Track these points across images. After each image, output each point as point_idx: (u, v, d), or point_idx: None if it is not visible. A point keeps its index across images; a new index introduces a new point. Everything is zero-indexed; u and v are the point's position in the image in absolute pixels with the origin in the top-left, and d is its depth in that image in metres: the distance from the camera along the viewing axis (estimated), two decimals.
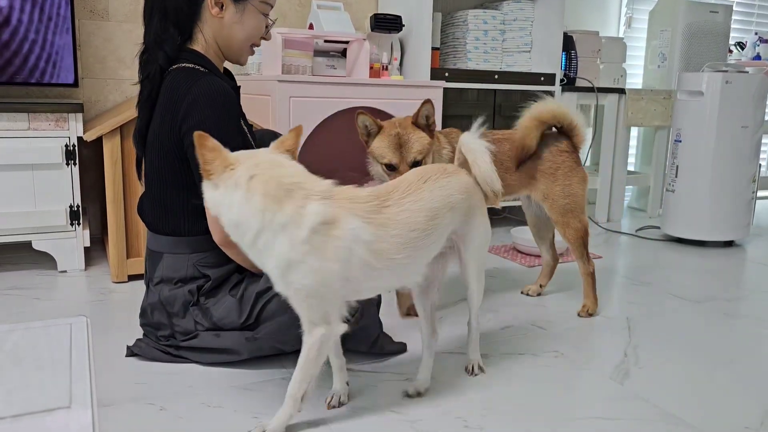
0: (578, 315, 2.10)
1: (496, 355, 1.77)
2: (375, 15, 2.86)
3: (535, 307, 2.18)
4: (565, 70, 3.50)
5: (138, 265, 2.27)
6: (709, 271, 2.72)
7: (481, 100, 3.19)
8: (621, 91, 3.62)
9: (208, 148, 1.20)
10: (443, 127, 2.66)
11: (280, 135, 1.99)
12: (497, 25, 3.30)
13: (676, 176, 3.19)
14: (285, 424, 1.31)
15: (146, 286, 1.70)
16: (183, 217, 1.61)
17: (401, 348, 1.75)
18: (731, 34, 4.11)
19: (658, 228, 3.41)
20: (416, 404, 1.47)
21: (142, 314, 1.69)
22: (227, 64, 1.78)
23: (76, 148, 2.36)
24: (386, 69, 2.92)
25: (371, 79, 2.67)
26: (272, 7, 1.72)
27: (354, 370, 1.63)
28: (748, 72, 3.13)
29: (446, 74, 3.09)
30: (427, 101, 1.77)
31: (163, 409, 1.43)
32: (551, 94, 3.32)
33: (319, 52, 2.79)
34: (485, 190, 1.50)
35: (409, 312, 1.91)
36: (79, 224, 2.42)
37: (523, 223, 2.33)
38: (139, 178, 1.78)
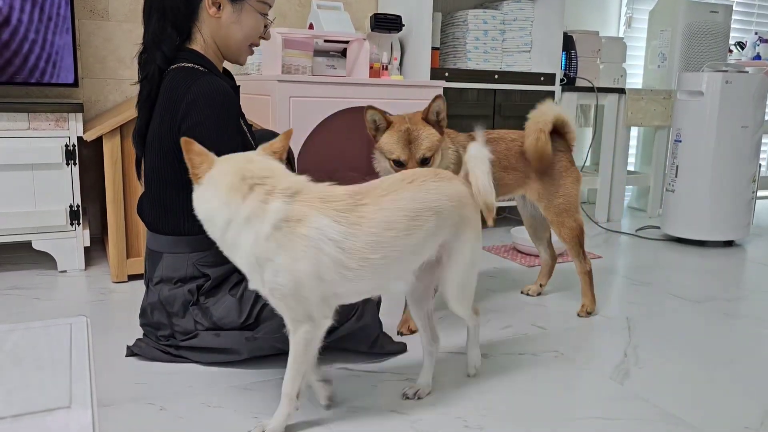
0: (578, 315, 2.10)
1: (496, 355, 1.77)
2: (375, 15, 2.86)
3: (535, 307, 2.18)
4: (565, 70, 3.50)
5: (138, 264, 2.27)
6: (709, 271, 2.72)
7: (481, 100, 3.19)
8: (621, 91, 3.62)
9: (195, 152, 1.24)
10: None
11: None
12: (497, 25, 3.30)
13: (676, 176, 3.19)
14: (284, 423, 1.31)
15: (146, 286, 1.70)
16: (182, 217, 1.61)
17: (401, 348, 1.75)
18: (731, 34, 4.11)
19: (658, 228, 3.41)
20: (416, 404, 1.47)
21: (142, 314, 1.69)
22: (227, 64, 1.78)
23: (76, 148, 2.36)
24: (386, 69, 2.92)
25: (371, 79, 2.67)
26: (270, 6, 1.72)
27: (354, 370, 1.63)
28: (748, 72, 3.13)
29: (446, 74, 3.09)
30: (438, 97, 1.72)
31: (163, 409, 1.43)
32: (551, 94, 3.32)
33: (319, 52, 2.79)
34: (478, 201, 1.41)
35: (401, 331, 1.88)
36: (79, 224, 2.42)
37: (523, 222, 2.33)
38: (139, 178, 1.78)
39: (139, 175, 1.77)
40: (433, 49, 3.08)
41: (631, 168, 4.02)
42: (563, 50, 3.43)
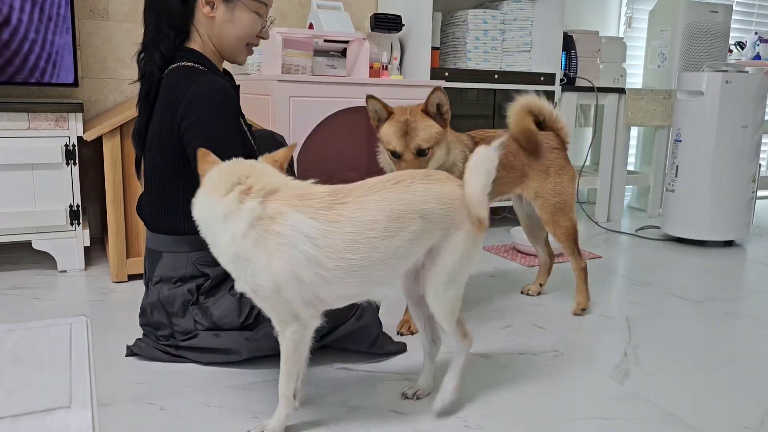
0: (573, 314, 2.10)
1: (496, 355, 1.77)
2: (375, 15, 2.86)
3: (535, 307, 2.18)
4: (565, 69, 3.50)
5: (138, 264, 2.26)
6: (709, 271, 2.72)
7: (481, 100, 3.19)
8: (621, 91, 3.62)
9: (208, 162, 1.28)
10: None
11: (280, 135, 2.00)
12: (497, 25, 3.30)
13: (676, 176, 3.19)
14: (283, 423, 1.31)
15: (146, 286, 1.70)
16: (182, 216, 1.61)
17: (401, 348, 1.75)
18: (731, 34, 4.11)
19: (658, 228, 3.41)
20: (416, 404, 1.47)
21: (142, 314, 1.69)
22: (226, 65, 1.78)
23: (76, 147, 2.36)
24: (386, 69, 2.92)
25: (371, 79, 2.67)
26: (267, 6, 1.71)
27: (354, 370, 1.63)
28: (748, 72, 3.13)
29: (446, 74, 3.09)
30: (437, 88, 1.66)
31: (163, 409, 1.43)
32: (551, 93, 3.32)
33: (319, 52, 2.80)
34: (469, 211, 1.30)
35: (401, 331, 1.88)
36: (79, 224, 2.42)
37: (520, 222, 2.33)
38: (138, 178, 1.78)
39: (139, 174, 1.77)
40: (433, 49, 3.08)
41: (631, 168, 4.02)
42: (563, 50, 3.43)
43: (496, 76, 3.22)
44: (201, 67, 1.61)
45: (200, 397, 1.48)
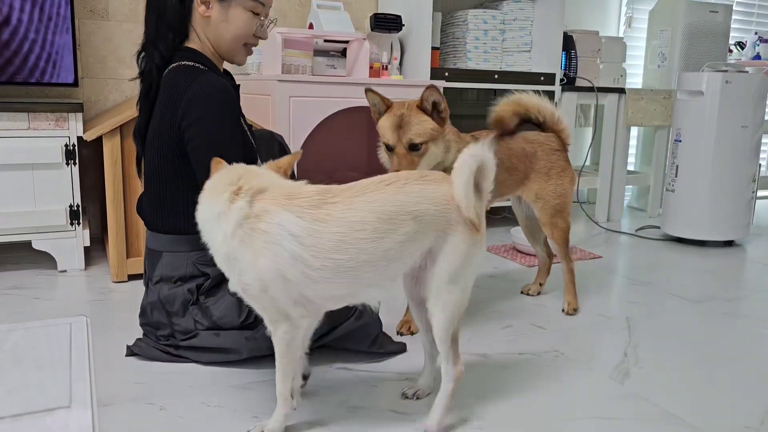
0: (567, 314, 2.10)
1: (496, 355, 1.77)
2: (375, 15, 2.86)
3: (535, 307, 2.18)
4: (565, 69, 3.50)
5: (138, 264, 2.26)
6: (709, 271, 2.72)
7: (481, 100, 3.18)
8: (621, 91, 3.62)
9: (217, 168, 1.31)
10: None
11: (279, 135, 2.00)
12: (497, 25, 3.30)
13: (676, 176, 3.19)
14: (283, 423, 1.31)
15: (146, 286, 1.70)
16: (182, 215, 1.61)
17: (401, 348, 1.75)
18: (731, 34, 4.11)
19: (658, 228, 3.41)
20: (416, 404, 1.47)
21: (142, 314, 1.69)
22: (226, 65, 1.78)
23: (76, 147, 2.36)
24: (386, 69, 2.92)
25: (371, 79, 2.67)
26: (264, 6, 1.70)
27: (354, 370, 1.63)
28: (748, 72, 3.13)
29: (446, 74, 3.09)
30: (430, 86, 1.65)
31: (163, 409, 1.43)
32: (551, 93, 3.32)
33: (319, 52, 2.80)
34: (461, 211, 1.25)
35: (401, 331, 1.88)
36: (79, 224, 2.42)
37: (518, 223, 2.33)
38: (139, 176, 1.78)
39: (140, 173, 1.77)
40: (433, 48, 3.08)
41: (631, 168, 4.02)
42: (563, 50, 3.43)
43: (496, 76, 3.22)
44: (201, 66, 1.61)
45: (200, 397, 1.48)
